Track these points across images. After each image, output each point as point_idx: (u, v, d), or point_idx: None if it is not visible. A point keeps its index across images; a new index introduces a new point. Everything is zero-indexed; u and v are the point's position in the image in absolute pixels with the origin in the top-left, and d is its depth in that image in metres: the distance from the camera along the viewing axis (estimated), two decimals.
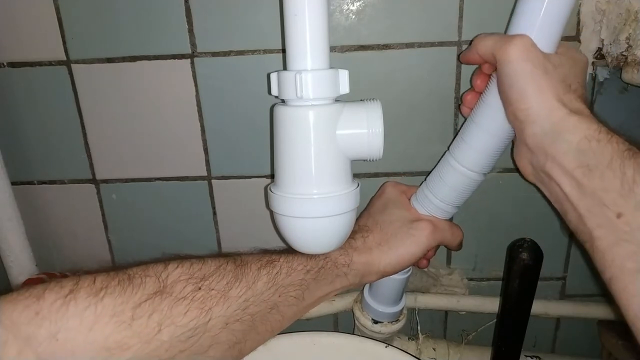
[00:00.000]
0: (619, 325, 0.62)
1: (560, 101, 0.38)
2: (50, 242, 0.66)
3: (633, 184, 0.34)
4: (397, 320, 0.58)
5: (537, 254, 0.48)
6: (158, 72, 0.55)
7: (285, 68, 0.44)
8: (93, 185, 0.62)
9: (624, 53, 0.48)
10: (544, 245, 0.48)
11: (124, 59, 0.55)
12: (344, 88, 0.44)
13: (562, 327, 0.68)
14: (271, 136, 0.53)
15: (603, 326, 0.64)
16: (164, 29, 0.54)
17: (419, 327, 0.63)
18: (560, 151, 0.38)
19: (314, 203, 0.44)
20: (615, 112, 0.54)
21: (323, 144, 0.43)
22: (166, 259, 0.40)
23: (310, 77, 0.41)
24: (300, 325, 0.51)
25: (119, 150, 0.60)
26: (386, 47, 0.53)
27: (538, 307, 0.59)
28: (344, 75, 0.44)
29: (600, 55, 0.51)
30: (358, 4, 0.52)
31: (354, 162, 0.46)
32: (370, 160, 0.45)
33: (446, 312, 0.67)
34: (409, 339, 0.63)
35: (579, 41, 0.51)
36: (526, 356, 0.61)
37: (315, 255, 0.47)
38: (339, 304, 0.62)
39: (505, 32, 0.43)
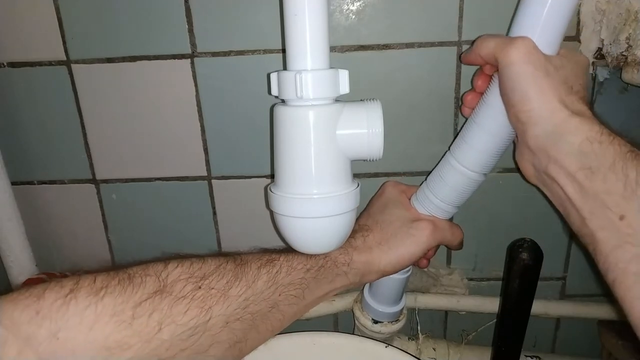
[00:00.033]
0: (619, 325, 0.62)
1: (562, 103, 0.38)
2: (50, 242, 0.66)
3: (636, 186, 0.34)
4: (397, 320, 0.58)
5: (537, 254, 0.48)
6: (158, 72, 0.56)
7: (285, 68, 0.44)
8: (93, 185, 0.62)
9: (624, 53, 0.48)
10: (544, 245, 0.48)
11: (124, 59, 0.55)
12: (344, 88, 0.44)
13: (562, 327, 0.68)
14: (271, 136, 0.53)
15: (603, 326, 0.64)
16: (164, 29, 0.54)
17: (419, 327, 0.63)
18: (562, 153, 0.38)
19: (314, 203, 0.44)
20: (615, 112, 0.55)
21: (323, 144, 0.43)
22: (166, 258, 0.40)
23: (310, 77, 0.41)
24: (300, 325, 0.51)
25: (119, 150, 0.60)
26: (386, 47, 0.53)
27: (538, 307, 0.59)
28: (344, 75, 0.44)
29: (600, 55, 0.51)
30: (358, 4, 0.52)
31: (354, 162, 0.46)
32: (370, 160, 0.45)
33: (446, 312, 0.67)
34: (409, 339, 0.63)
35: (579, 41, 0.51)
36: (526, 356, 0.61)
37: (315, 254, 0.47)
38: (339, 304, 0.62)
39: (507, 33, 0.43)
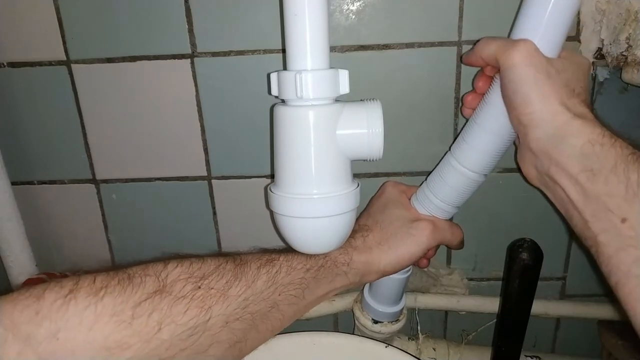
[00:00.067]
0: (619, 325, 0.62)
1: (564, 105, 0.38)
2: (50, 242, 0.66)
3: (637, 189, 0.34)
4: (397, 320, 0.58)
5: (537, 254, 0.48)
6: (158, 72, 0.56)
7: (285, 68, 0.44)
8: (93, 185, 0.62)
9: (624, 53, 0.48)
10: (544, 245, 0.48)
11: (124, 59, 0.55)
12: (344, 88, 0.44)
13: (562, 327, 0.68)
14: (271, 136, 0.53)
15: (603, 326, 0.64)
16: (164, 29, 0.54)
17: (419, 327, 0.63)
18: (564, 155, 0.38)
19: (314, 203, 0.44)
20: (615, 112, 0.55)
21: (323, 144, 0.43)
22: (166, 258, 0.40)
23: (310, 77, 0.41)
24: (300, 325, 0.51)
25: (119, 150, 0.60)
26: (386, 47, 0.53)
27: (538, 307, 0.59)
28: (344, 75, 0.44)
29: (600, 55, 0.51)
30: (358, 4, 0.52)
31: (354, 162, 0.46)
32: (370, 160, 0.45)
33: (446, 312, 0.67)
34: (409, 339, 0.63)
35: (579, 41, 0.51)
36: (526, 356, 0.61)
37: (315, 254, 0.47)
38: (339, 304, 0.62)
39: (509, 35, 0.43)
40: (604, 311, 0.61)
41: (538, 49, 0.40)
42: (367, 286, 0.58)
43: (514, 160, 0.48)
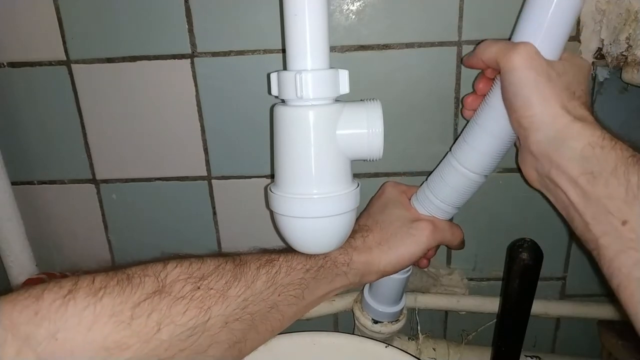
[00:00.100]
0: (619, 325, 0.62)
1: (564, 108, 0.38)
2: (50, 242, 0.66)
3: (637, 191, 0.34)
4: (397, 320, 0.58)
5: (537, 254, 0.48)
6: (158, 72, 0.56)
7: (285, 68, 0.44)
8: (93, 185, 0.62)
9: (624, 53, 0.48)
10: (544, 245, 0.48)
11: (124, 59, 0.55)
12: (344, 88, 0.44)
13: (562, 327, 0.68)
14: (271, 136, 0.53)
15: (603, 326, 0.64)
16: (164, 29, 0.54)
17: (419, 327, 0.63)
18: (564, 158, 0.38)
19: (314, 203, 0.44)
20: (615, 112, 0.55)
21: (323, 144, 0.43)
22: (165, 259, 0.40)
23: (310, 77, 0.41)
24: (300, 325, 0.51)
25: (119, 150, 0.60)
26: (386, 47, 0.53)
27: (538, 307, 0.59)
28: (344, 75, 0.44)
29: (600, 55, 0.51)
30: (358, 4, 0.52)
31: (354, 162, 0.46)
32: (370, 160, 0.45)
33: (446, 312, 0.67)
34: (409, 339, 0.63)
35: (579, 41, 0.51)
36: (526, 356, 0.61)
37: (315, 254, 0.47)
38: (339, 304, 0.62)
39: (510, 38, 0.43)
40: (604, 311, 0.61)
41: (539, 52, 0.40)
42: (367, 286, 0.58)
43: (514, 161, 0.48)
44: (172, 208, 0.62)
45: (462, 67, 0.53)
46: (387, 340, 0.57)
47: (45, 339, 0.31)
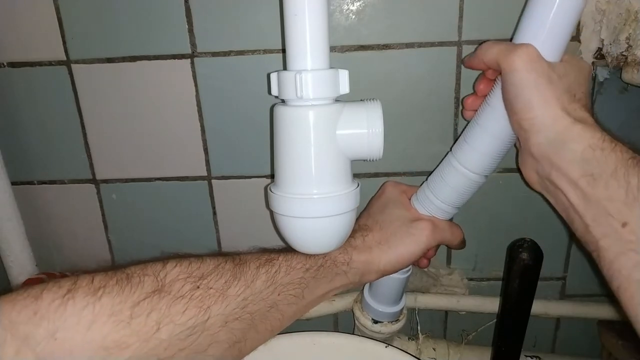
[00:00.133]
0: (619, 325, 0.62)
1: (565, 111, 0.38)
2: (50, 242, 0.66)
3: (637, 193, 0.34)
4: (397, 320, 0.58)
5: (537, 254, 0.48)
6: (158, 72, 0.56)
7: (285, 68, 0.44)
8: (93, 185, 0.62)
9: (624, 53, 0.48)
10: (544, 245, 0.48)
11: (124, 59, 0.55)
12: (344, 88, 0.44)
13: (562, 327, 0.68)
14: (271, 136, 0.53)
15: (603, 326, 0.64)
16: (164, 29, 0.54)
17: (419, 327, 0.63)
18: (564, 160, 0.38)
19: (314, 203, 0.44)
20: (615, 112, 0.55)
21: (323, 144, 0.43)
22: (164, 258, 0.40)
23: (310, 77, 0.41)
24: (300, 325, 0.51)
25: (119, 150, 0.60)
26: (386, 47, 0.53)
27: (538, 307, 0.59)
28: (344, 75, 0.44)
29: (600, 55, 0.51)
30: (358, 4, 0.52)
31: (354, 162, 0.46)
32: (370, 160, 0.45)
33: (446, 312, 0.67)
34: (409, 339, 0.63)
35: (579, 41, 0.51)
36: (526, 356, 0.60)
37: (315, 254, 0.47)
38: (339, 304, 0.62)
39: (512, 39, 0.43)
40: (604, 311, 0.61)
41: (539, 54, 0.40)
42: (367, 286, 0.58)
43: (514, 161, 0.48)
44: (172, 208, 0.62)
45: (462, 67, 0.53)
46: (387, 340, 0.57)
47: (44, 339, 0.31)
